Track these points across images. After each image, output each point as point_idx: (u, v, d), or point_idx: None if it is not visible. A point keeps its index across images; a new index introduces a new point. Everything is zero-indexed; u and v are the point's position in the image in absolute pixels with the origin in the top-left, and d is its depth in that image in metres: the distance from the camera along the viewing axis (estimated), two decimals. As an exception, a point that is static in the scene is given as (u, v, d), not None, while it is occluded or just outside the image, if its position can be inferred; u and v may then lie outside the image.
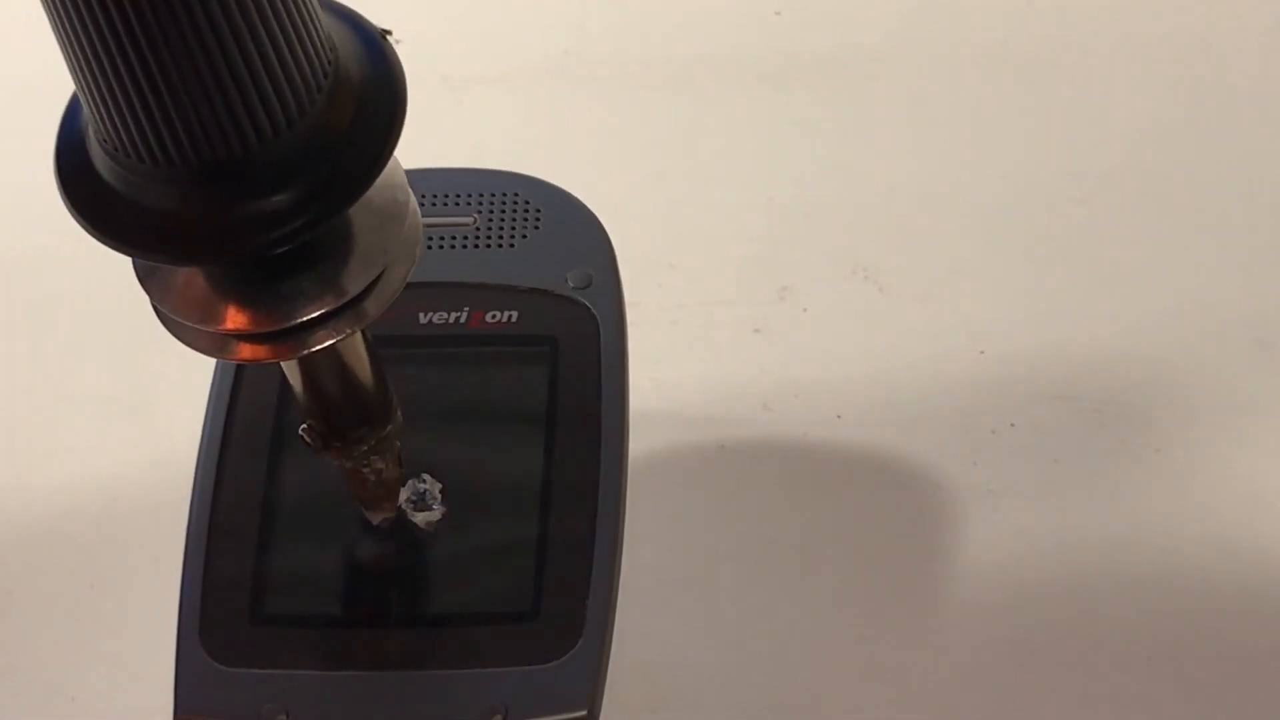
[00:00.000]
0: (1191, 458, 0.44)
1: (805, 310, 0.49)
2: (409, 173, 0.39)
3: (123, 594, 0.42)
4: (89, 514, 0.44)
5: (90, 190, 0.24)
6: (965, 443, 0.45)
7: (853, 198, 0.52)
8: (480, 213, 0.40)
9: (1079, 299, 0.48)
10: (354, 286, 0.27)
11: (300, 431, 0.33)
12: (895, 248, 0.50)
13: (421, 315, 0.38)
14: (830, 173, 0.53)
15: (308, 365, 0.30)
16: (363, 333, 0.30)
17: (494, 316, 0.38)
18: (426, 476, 0.36)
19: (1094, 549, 0.43)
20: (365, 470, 0.34)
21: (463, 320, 0.38)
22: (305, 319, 0.26)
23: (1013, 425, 0.45)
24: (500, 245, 0.40)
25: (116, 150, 0.23)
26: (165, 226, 0.24)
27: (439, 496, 0.36)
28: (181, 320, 0.27)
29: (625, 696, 0.39)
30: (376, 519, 0.36)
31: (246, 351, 0.27)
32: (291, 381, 0.31)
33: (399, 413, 0.33)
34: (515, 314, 0.38)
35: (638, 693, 0.40)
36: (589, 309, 0.38)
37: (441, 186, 0.40)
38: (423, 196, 0.40)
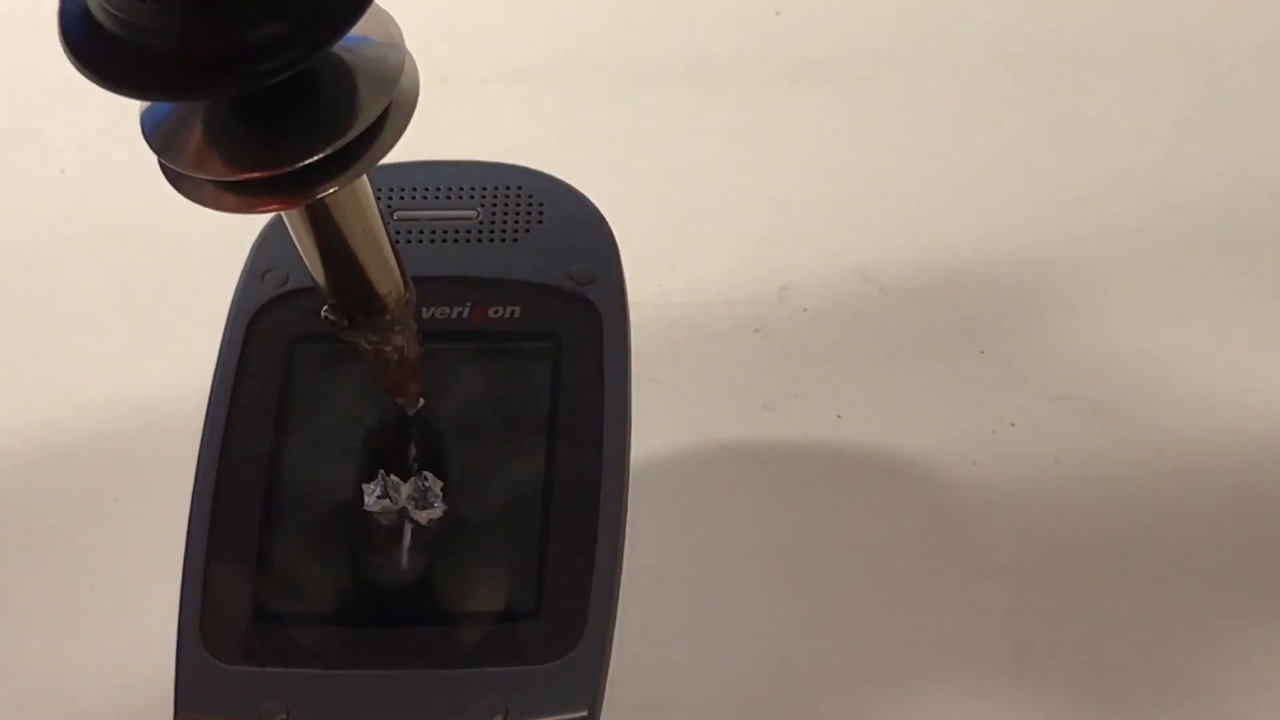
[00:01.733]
0: (1191, 458, 0.44)
1: (805, 310, 0.49)
2: (411, 164, 0.39)
3: (123, 594, 0.42)
4: (89, 514, 0.44)
5: (93, 43, 0.25)
6: (965, 443, 0.45)
7: (853, 198, 0.52)
8: (483, 206, 0.40)
9: (1079, 299, 0.48)
10: (352, 133, 0.28)
11: (323, 313, 0.33)
12: (895, 248, 0.50)
13: (424, 310, 0.38)
14: (830, 173, 0.53)
15: (323, 232, 0.31)
16: (375, 200, 0.32)
17: (496, 312, 0.38)
18: (428, 474, 0.36)
19: (1094, 550, 0.42)
20: (388, 350, 0.34)
21: (465, 315, 0.38)
22: (309, 163, 0.28)
23: (1013, 425, 0.45)
24: (503, 240, 0.39)
25: None
26: (165, 64, 0.25)
27: (440, 494, 0.36)
28: (199, 178, 0.28)
29: (625, 696, 0.39)
30: (408, 406, 0.36)
31: (260, 204, 0.29)
32: (310, 260, 0.32)
33: (411, 284, 0.34)
34: (518, 309, 0.38)
35: (638, 693, 0.40)
36: (592, 304, 0.38)
37: (444, 179, 0.40)
38: (425, 189, 0.40)
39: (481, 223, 0.40)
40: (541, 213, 0.40)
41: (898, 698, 0.40)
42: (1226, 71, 0.55)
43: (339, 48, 0.27)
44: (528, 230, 0.39)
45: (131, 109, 0.28)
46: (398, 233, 0.39)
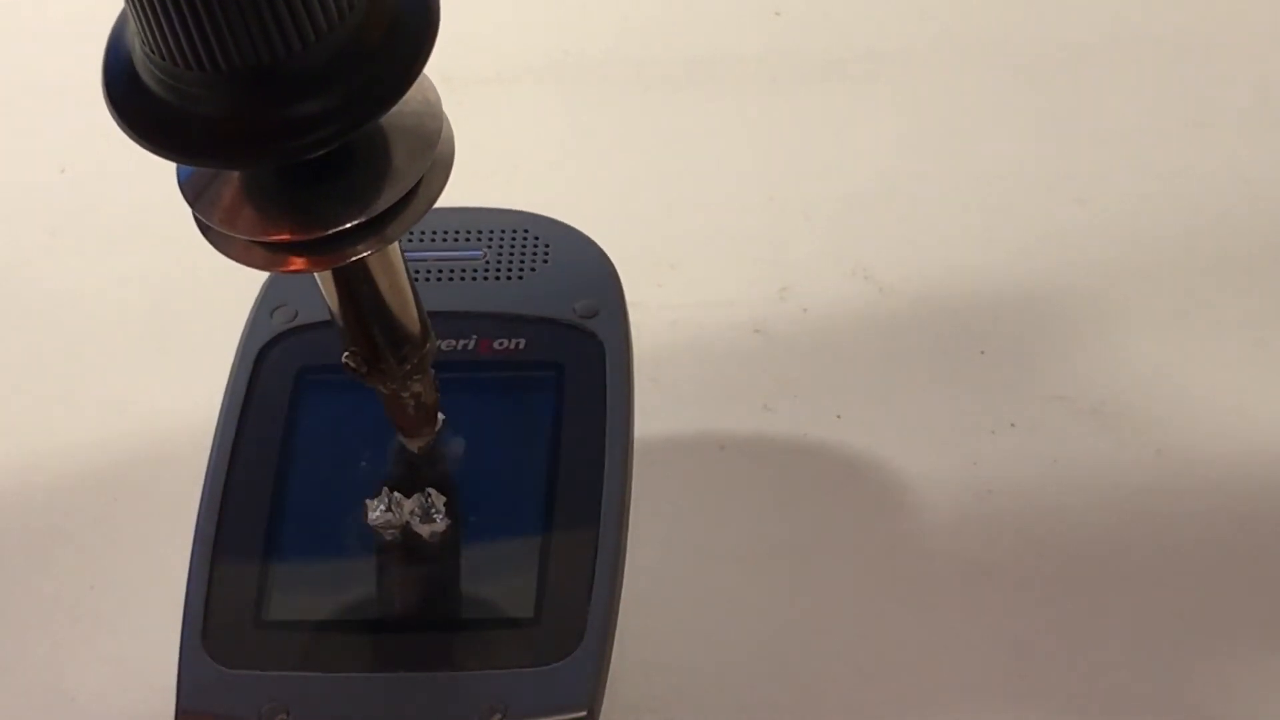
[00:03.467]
0: (1191, 458, 0.44)
1: (805, 310, 0.49)
2: None
3: (123, 594, 0.42)
4: (89, 514, 0.44)
5: (138, 103, 0.26)
6: (965, 443, 0.45)
7: (853, 198, 0.52)
8: (490, 248, 0.41)
9: (1079, 299, 0.48)
10: (387, 200, 0.28)
11: (344, 359, 0.34)
12: (895, 248, 0.50)
13: None
14: (830, 173, 0.53)
15: (350, 285, 0.31)
16: (402, 256, 0.32)
17: (502, 344, 0.39)
18: (431, 490, 0.36)
19: (1093, 550, 0.42)
20: (404, 396, 0.35)
21: (471, 347, 0.39)
22: (342, 229, 0.28)
23: (1013, 425, 0.45)
24: (509, 278, 0.40)
25: (164, 59, 0.25)
26: (208, 131, 0.25)
27: (442, 509, 0.36)
28: (230, 234, 0.29)
29: (625, 697, 0.39)
30: (416, 445, 0.37)
31: (289, 263, 0.29)
32: (333, 307, 0.32)
33: (433, 334, 0.35)
34: (523, 341, 0.39)
35: (638, 693, 0.40)
36: (595, 336, 0.39)
37: (453, 224, 0.41)
38: (434, 233, 0.41)
39: (488, 263, 0.41)
40: (547, 253, 0.41)
41: (897, 698, 0.40)
42: (1228, 73, 0.55)
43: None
44: (533, 269, 0.41)
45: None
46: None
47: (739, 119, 0.55)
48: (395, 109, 0.26)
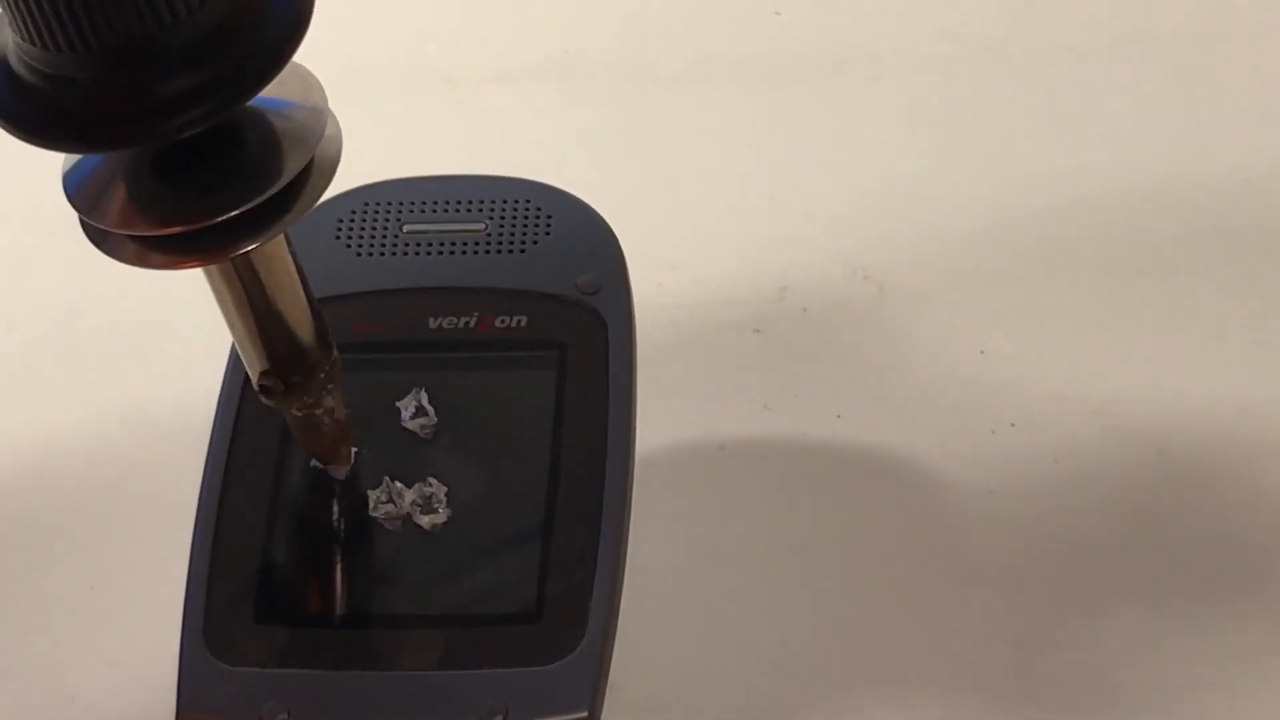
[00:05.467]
0: (1192, 458, 0.44)
1: (805, 310, 0.49)
2: (420, 179, 0.39)
3: (123, 594, 0.42)
4: (89, 514, 0.44)
5: (16, 97, 0.26)
6: (965, 443, 0.45)
7: (853, 198, 0.52)
8: (491, 219, 0.40)
9: (1079, 298, 0.48)
10: (276, 186, 0.28)
11: (256, 383, 0.33)
12: (895, 248, 0.50)
13: (431, 320, 0.39)
14: (830, 173, 0.53)
15: (253, 291, 0.31)
16: (293, 256, 0.32)
17: (503, 321, 0.39)
18: (432, 480, 0.36)
19: (1094, 550, 0.43)
20: (319, 414, 0.34)
21: (472, 325, 0.39)
22: (232, 216, 0.28)
23: (1013, 425, 0.45)
24: (511, 251, 0.40)
25: (34, 44, 0.25)
26: (80, 115, 0.25)
27: (444, 500, 0.36)
28: (125, 233, 0.29)
29: (627, 697, 0.39)
30: (338, 471, 0.36)
31: (186, 262, 0.29)
32: (237, 327, 0.32)
33: (334, 343, 0.34)
34: (524, 319, 0.39)
35: (639, 693, 0.40)
36: (598, 314, 0.38)
37: (453, 194, 0.41)
38: (434, 203, 0.41)
39: (489, 235, 0.40)
40: (549, 225, 0.40)
41: (898, 698, 0.40)
42: (1226, 71, 0.55)
43: (264, 109, 0.28)
44: (535, 242, 0.40)
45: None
46: (406, 245, 0.40)
47: (739, 119, 0.55)
48: (279, 106, 0.27)
